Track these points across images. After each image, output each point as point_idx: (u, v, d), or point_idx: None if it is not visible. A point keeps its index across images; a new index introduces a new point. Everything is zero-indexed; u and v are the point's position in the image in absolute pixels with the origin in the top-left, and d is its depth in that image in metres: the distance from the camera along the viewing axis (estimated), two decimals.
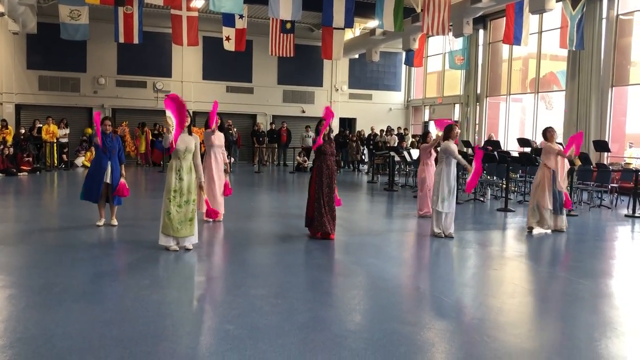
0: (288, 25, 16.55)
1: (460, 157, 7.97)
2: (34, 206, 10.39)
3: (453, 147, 7.92)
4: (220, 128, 8.84)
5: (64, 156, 18.44)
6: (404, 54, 20.82)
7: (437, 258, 7.10)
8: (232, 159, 18.06)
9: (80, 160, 18.98)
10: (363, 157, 21.68)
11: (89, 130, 20.35)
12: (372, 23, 18.40)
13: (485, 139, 18.56)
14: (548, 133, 8.72)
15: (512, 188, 12.94)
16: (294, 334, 4.05)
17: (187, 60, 21.78)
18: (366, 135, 21.98)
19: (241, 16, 15.87)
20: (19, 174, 15.34)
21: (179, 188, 6.45)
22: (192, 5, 15.26)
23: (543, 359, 3.77)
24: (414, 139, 19.87)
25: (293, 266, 6.28)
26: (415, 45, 18.41)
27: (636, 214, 10.65)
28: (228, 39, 16.42)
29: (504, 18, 15.54)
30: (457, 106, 21.97)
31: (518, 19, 14.83)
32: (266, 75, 22.87)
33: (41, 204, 10.90)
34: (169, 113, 6.24)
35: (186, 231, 6.49)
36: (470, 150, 15.75)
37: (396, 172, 16.03)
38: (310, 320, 4.39)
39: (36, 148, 17.70)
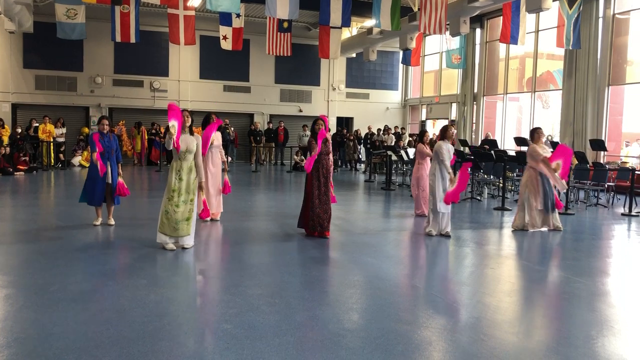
0: (285, 24, 16.53)
1: (447, 163, 7.87)
2: (31, 206, 10.37)
3: (444, 150, 7.86)
4: (218, 128, 8.82)
5: (61, 155, 18.42)
6: (401, 53, 20.86)
7: (434, 257, 7.11)
8: (230, 158, 18.05)
9: (77, 160, 18.94)
10: (360, 156, 21.69)
11: (86, 130, 20.33)
12: (370, 22, 18.41)
13: (482, 138, 18.60)
14: (536, 134, 8.62)
15: (509, 187, 12.97)
16: (291, 333, 4.05)
17: (184, 59, 21.75)
18: (363, 134, 22.00)
19: (238, 15, 15.85)
20: (15, 173, 15.31)
21: (177, 188, 6.52)
22: (189, 4, 15.23)
23: (540, 357, 3.77)
24: (411, 138, 19.89)
25: (290, 265, 6.28)
26: (413, 45, 18.43)
27: (632, 213, 10.68)
28: (225, 38, 16.41)
29: (501, 17, 15.55)
30: (454, 105, 22.00)
31: (515, 18, 14.85)
32: (263, 74, 22.86)
33: (38, 204, 10.87)
34: (173, 122, 6.32)
35: (183, 230, 6.53)
36: (467, 150, 15.77)
37: (393, 171, 16.04)
38: (307, 319, 4.39)
39: (33, 147, 17.68)
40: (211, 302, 4.90)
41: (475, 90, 20.78)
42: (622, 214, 10.80)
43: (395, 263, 6.65)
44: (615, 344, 4.08)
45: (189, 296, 5.10)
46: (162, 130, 19.91)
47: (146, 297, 4.78)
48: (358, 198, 12.88)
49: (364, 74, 24.49)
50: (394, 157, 15.15)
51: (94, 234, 7.53)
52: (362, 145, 21.73)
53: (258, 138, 21.55)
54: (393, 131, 21.23)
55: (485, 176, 13.38)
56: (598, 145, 13.55)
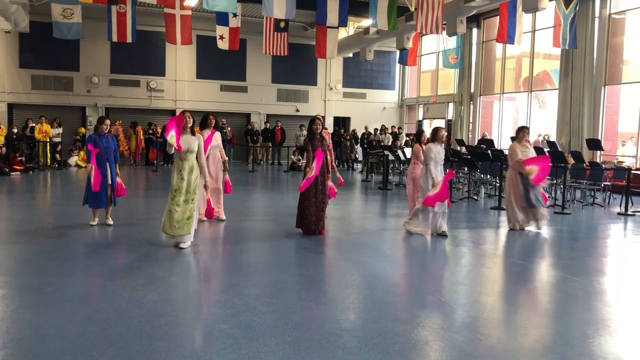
0: (282, 24, 16.53)
1: (431, 167, 7.81)
2: (27, 206, 10.34)
3: (432, 153, 7.83)
4: (216, 127, 8.81)
5: (57, 155, 18.37)
6: (397, 52, 20.86)
7: (431, 256, 7.11)
8: (226, 158, 18.00)
9: (73, 160, 18.91)
10: (357, 156, 21.70)
11: (82, 130, 20.29)
12: (366, 22, 18.43)
13: (479, 138, 18.63)
14: (521, 133, 8.56)
15: None
16: (288, 332, 4.05)
17: (180, 59, 21.72)
18: (360, 134, 22.01)
19: (235, 15, 15.85)
20: (11, 173, 15.26)
21: (178, 187, 6.61)
22: (185, 4, 15.22)
23: (536, 356, 3.78)
24: (408, 138, 19.92)
25: (287, 265, 6.28)
26: (409, 44, 18.44)
27: (629, 212, 10.72)
28: (222, 37, 16.40)
29: (498, 17, 15.58)
30: (450, 105, 22.02)
31: (511, 17, 14.88)
32: (260, 74, 22.84)
33: (34, 204, 10.85)
34: (171, 134, 6.40)
35: (183, 230, 6.58)
36: (464, 149, 15.80)
37: (390, 171, 16.06)
38: (304, 319, 4.39)
39: (29, 147, 17.62)
40: (208, 302, 4.90)
41: (472, 90, 20.81)
42: (619, 214, 10.83)
43: (392, 262, 6.66)
44: (611, 342, 4.09)
45: (186, 296, 5.09)
46: (159, 130, 19.92)
47: (143, 297, 4.78)
48: (355, 198, 12.89)
49: (361, 74, 24.49)
50: (390, 157, 15.16)
51: (91, 234, 7.52)
52: (359, 145, 21.75)
53: (255, 138, 21.54)
54: (390, 131, 21.25)
55: (482, 176, 13.41)
56: (594, 144, 13.59)
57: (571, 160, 12.65)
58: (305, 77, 23.57)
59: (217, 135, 8.73)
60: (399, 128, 22.59)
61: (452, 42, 20.44)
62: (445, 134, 8.76)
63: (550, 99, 18.83)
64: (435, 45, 22.87)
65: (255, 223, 8.98)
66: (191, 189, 6.63)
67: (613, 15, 15.46)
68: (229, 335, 3.97)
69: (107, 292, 5.00)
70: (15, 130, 17.73)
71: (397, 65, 24.03)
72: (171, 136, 6.39)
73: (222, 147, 8.87)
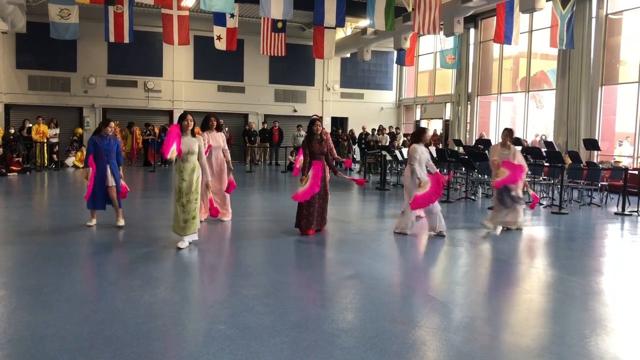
0: (279, 25, 16.53)
1: (417, 167, 7.75)
2: (24, 207, 10.32)
3: (417, 153, 7.78)
4: (218, 128, 8.77)
5: (54, 156, 18.32)
6: (395, 53, 20.87)
7: (429, 257, 7.12)
8: (230, 159, 17.96)
9: (70, 161, 18.87)
10: (354, 156, 21.70)
11: (80, 130, 20.26)
12: (364, 22, 18.42)
13: (477, 138, 18.65)
14: (503, 134, 8.44)
15: None
16: (286, 333, 4.05)
17: (178, 59, 21.70)
18: (357, 134, 22.01)
19: (232, 15, 15.84)
20: (8, 174, 15.23)
21: (180, 188, 6.69)
22: (182, 4, 15.21)
23: (534, 356, 3.79)
24: (405, 138, 19.91)
25: (285, 265, 6.28)
26: (407, 45, 18.46)
27: (625, 212, 10.74)
28: (219, 38, 16.39)
29: (495, 17, 15.61)
30: (448, 105, 22.04)
31: (508, 18, 14.90)
32: (258, 74, 22.84)
33: (31, 205, 10.82)
34: (172, 148, 6.42)
35: (190, 229, 6.71)
36: (461, 149, 15.81)
37: (388, 171, 16.06)
38: (302, 319, 4.39)
39: (26, 148, 17.58)
40: (205, 303, 4.89)
41: (469, 90, 20.84)
42: (616, 213, 10.85)
43: (390, 263, 6.66)
44: (608, 342, 4.10)
45: (183, 297, 5.08)
46: (157, 130, 19.89)
47: (140, 298, 4.77)
48: (353, 198, 12.89)
49: (358, 74, 24.51)
50: (388, 157, 15.17)
51: (88, 235, 7.51)
52: (356, 145, 21.75)
53: (252, 138, 21.53)
54: (387, 131, 21.26)
55: (480, 176, 13.42)
56: (591, 144, 13.61)
57: (568, 160, 12.67)
58: (303, 78, 23.57)
59: (220, 136, 8.71)
60: (397, 128, 22.61)
61: (449, 43, 20.46)
62: (431, 135, 8.73)
63: (548, 99, 18.87)
64: (432, 46, 22.90)
65: (253, 223, 8.98)
66: (193, 189, 6.69)
67: (610, 16, 15.50)
68: (227, 335, 3.97)
69: (105, 292, 5.00)
70: (13, 131, 17.68)
71: (395, 65, 24.05)
72: (172, 152, 6.43)
73: (226, 147, 8.83)
